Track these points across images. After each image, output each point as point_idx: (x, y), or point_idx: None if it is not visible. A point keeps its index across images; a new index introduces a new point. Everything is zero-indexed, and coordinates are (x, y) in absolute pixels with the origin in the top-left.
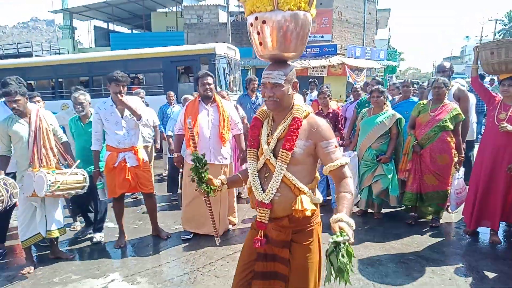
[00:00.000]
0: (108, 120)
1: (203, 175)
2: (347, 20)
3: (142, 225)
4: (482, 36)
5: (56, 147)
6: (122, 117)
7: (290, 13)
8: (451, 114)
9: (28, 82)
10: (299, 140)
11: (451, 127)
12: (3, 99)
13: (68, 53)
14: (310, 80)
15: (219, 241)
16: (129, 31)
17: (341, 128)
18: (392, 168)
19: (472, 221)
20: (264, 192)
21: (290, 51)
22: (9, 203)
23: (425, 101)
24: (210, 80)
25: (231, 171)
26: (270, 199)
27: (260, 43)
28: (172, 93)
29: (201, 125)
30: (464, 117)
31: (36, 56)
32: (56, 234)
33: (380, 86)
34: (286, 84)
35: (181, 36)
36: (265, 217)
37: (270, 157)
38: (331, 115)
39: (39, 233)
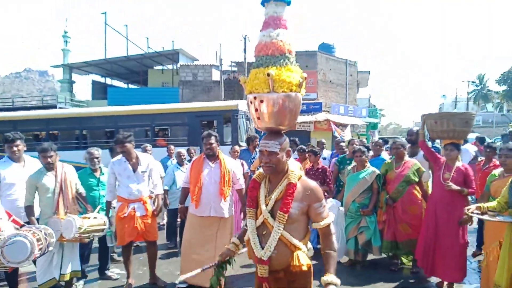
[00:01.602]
0: (121, 174)
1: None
2: (330, 81)
3: (146, 271)
4: (456, 96)
5: (76, 196)
6: (134, 172)
7: (284, 94)
8: (413, 169)
9: (52, 132)
10: (294, 202)
11: (416, 179)
12: (4, 158)
13: (65, 105)
14: (291, 139)
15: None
16: (126, 86)
17: (329, 182)
18: (374, 220)
19: (427, 269)
20: (262, 249)
21: (284, 124)
22: (45, 251)
23: (389, 160)
24: (212, 140)
25: (230, 223)
26: (268, 256)
27: (258, 118)
28: (172, 147)
29: (203, 181)
30: (424, 170)
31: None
32: (67, 277)
33: (361, 147)
34: (281, 152)
35: (176, 92)
36: (265, 272)
37: (268, 217)
38: (320, 170)
39: (54, 277)
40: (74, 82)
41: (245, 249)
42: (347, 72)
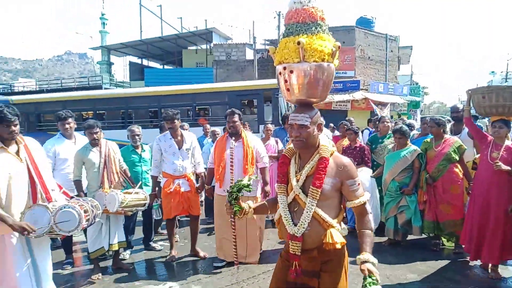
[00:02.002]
0: (167, 151)
1: (236, 196)
2: (369, 58)
3: (187, 244)
4: (508, 72)
5: (120, 171)
6: (179, 149)
7: (315, 64)
8: (454, 147)
9: (99, 112)
10: (327, 178)
11: (457, 158)
12: (58, 135)
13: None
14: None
15: (238, 265)
16: (161, 67)
17: (367, 161)
18: (415, 200)
19: (472, 254)
20: (295, 226)
21: (315, 96)
22: (92, 222)
23: (429, 139)
24: (236, 118)
25: (257, 202)
26: (301, 233)
27: (288, 89)
28: (208, 126)
29: (226, 160)
30: (466, 147)
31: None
32: (116, 247)
33: (402, 127)
34: (312, 125)
35: (210, 72)
36: (298, 249)
37: (299, 193)
38: (358, 149)
39: (103, 246)
40: (113, 63)
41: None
42: (387, 48)
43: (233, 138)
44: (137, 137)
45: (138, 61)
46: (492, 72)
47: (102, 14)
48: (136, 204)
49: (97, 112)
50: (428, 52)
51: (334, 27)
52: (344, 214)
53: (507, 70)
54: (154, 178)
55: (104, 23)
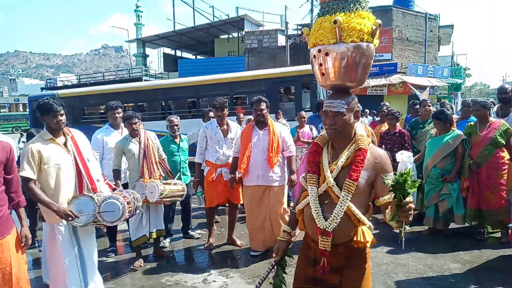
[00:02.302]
0: (212, 138)
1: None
2: (407, 39)
3: (224, 232)
4: None
5: (159, 162)
6: (224, 137)
7: (353, 45)
8: (500, 130)
9: (140, 104)
10: (363, 171)
11: (503, 142)
12: (106, 125)
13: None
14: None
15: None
16: (194, 57)
17: (409, 147)
18: (457, 187)
19: None
20: (326, 220)
21: (353, 81)
22: (133, 214)
23: (472, 123)
24: (263, 105)
25: (281, 193)
26: (333, 228)
27: (322, 74)
28: (242, 115)
29: (252, 149)
30: None
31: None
32: (155, 235)
33: (443, 111)
34: (348, 113)
35: (242, 60)
36: (328, 245)
37: (333, 185)
38: (397, 134)
39: (145, 235)
40: (148, 55)
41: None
42: (426, 28)
43: (259, 126)
44: (175, 127)
45: (172, 52)
46: None
47: (137, 7)
48: (175, 195)
49: (138, 103)
50: (471, 31)
51: (370, 7)
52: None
53: None
54: (199, 165)
55: (138, 15)
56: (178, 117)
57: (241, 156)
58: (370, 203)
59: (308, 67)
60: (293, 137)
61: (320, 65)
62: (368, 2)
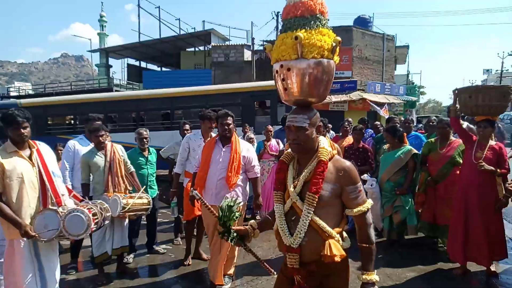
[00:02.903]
0: (195, 150)
1: (229, 225)
2: (366, 58)
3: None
4: (502, 70)
5: (126, 175)
6: None
7: (314, 61)
8: (458, 150)
9: (109, 115)
10: (326, 183)
11: (461, 161)
12: (80, 136)
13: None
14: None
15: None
16: (159, 69)
17: (371, 162)
18: (410, 199)
19: (460, 258)
20: (292, 236)
21: (314, 96)
22: (102, 225)
23: (433, 139)
24: (229, 120)
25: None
26: (298, 244)
27: (285, 89)
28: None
29: (211, 166)
30: None
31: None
32: (119, 251)
33: (390, 127)
34: (310, 127)
35: (209, 74)
36: (295, 262)
37: (296, 200)
38: (361, 149)
39: (107, 251)
40: (111, 66)
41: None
42: (384, 48)
43: (223, 142)
44: (145, 140)
45: (136, 63)
46: (487, 70)
47: (101, 17)
48: (139, 209)
49: (108, 114)
50: (424, 51)
51: (332, 27)
52: None
53: (502, 68)
54: (177, 175)
55: (102, 25)
56: (147, 130)
57: (199, 172)
58: (344, 214)
59: None
60: (261, 150)
61: (283, 80)
62: (328, 20)
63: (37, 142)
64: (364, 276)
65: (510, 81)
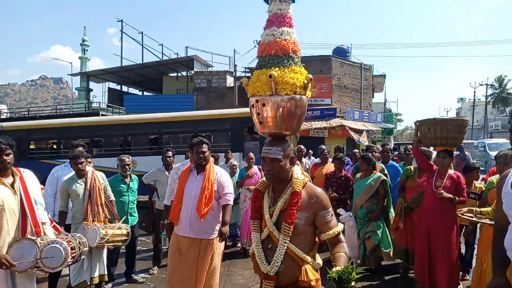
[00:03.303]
0: None
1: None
2: (345, 86)
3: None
4: (475, 99)
5: (106, 203)
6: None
7: (288, 97)
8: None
9: (96, 139)
10: (300, 212)
11: None
12: (66, 163)
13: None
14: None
15: None
16: (140, 93)
17: (352, 190)
18: (381, 225)
19: (424, 283)
20: (269, 264)
21: (288, 129)
22: (78, 259)
23: (412, 167)
24: (205, 148)
25: (213, 246)
26: (275, 271)
27: (260, 122)
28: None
29: (185, 195)
30: None
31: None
32: (97, 280)
33: (368, 154)
34: (284, 159)
35: (191, 99)
36: None
37: (273, 229)
38: (343, 178)
39: (85, 280)
40: (92, 90)
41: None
42: (362, 77)
43: (198, 170)
44: (127, 167)
45: (118, 87)
46: (461, 99)
47: (83, 40)
48: (118, 239)
49: (94, 139)
50: (401, 80)
51: (312, 56)
52: None
53: (474, 97)
54: (166, 207)
55: (84, 49)
56: (130, 157)
57: (174, 201)
58: (316, 239)
59: None
60: (243, 176)
61: (258, 114)
62: (300, 58)
63: (21, 169)
64: (335, 269)
65: (482, 109)
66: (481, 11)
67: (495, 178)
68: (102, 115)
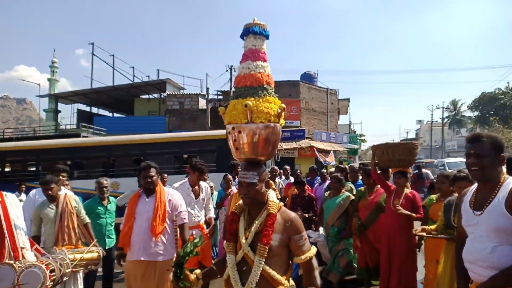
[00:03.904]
0: (184, 200)
1: (181, 271)
2: (313, 109)
3: None
4: (432, 121)
5: (79, 227)
6: (195, 199)
7: (262, 125)
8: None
9: (77, 161)
10: (275, 234)
11: None
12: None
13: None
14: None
15: None
16: (111, 115)
17: (316, 209)
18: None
19: None
20: (243, 286)
21: (263, 155)
22: (59, 282)
23: (362, 188)
24: (152, 172)
25: (165, 268)
26: None
27: (236, 148)
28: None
29: (136, 218)
30: None
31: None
32: None
33: (338, 174)
34: (260, 183)
35: (163, 120)
36: None
37: (248, 251)
38: (307, 198)
39: None
40: (60, 111)
41: None
42: (328, 100)
43: (147, 193)
44: (104, 189)
45: (87, 108)
46: (420, 121)
47: (52, 62)
48: (88, 263)
49: (75, 160)
50: (364, 103)
51: (281, 81)
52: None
53: (432, 119)
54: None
55: (53, 71)
56: (108, 179)
57: (124, 228)
58: (290, 262)
59: None
60: (222, 197)
61: (234, 140)
62: (273, 89)
63: (4, 193)
64: None
65: (439, 130)
66: (436, 40)
67: (434, 196)
68: (73, 136)
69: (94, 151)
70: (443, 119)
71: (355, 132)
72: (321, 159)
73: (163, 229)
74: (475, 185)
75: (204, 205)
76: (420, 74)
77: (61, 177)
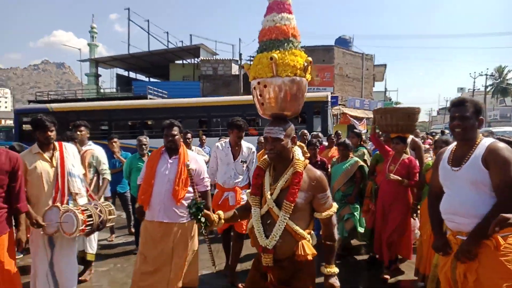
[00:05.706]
0: (222, 160)
1: (200, 218)
2: (347, 75)
3: (128, 267)
4: (474, 89)
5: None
6: (234, 160)
7: (288, 79)
8: None
9: (145, 121)
10: (300, 192)
11: None
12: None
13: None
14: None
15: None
16: (147, 79)
17: (327, 175)
18: (358, 206)
19: (381, 256)
20: (267, 238)
21: (288, 110)
22: (100, 228)
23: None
24: (175, 130)
25: (190, 232)
26: (273, 245)
27: (262, 104)
28: (204, 137)
29: (156, 178)
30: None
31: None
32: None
33: (345, 140)
34: (286, 138)
35: (197, 86)
36: (270, 261)
37: (273, 206)
38: (319, 163)
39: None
40: (100, 75)
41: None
42: (363, 66)
43: (169, 154)
44: (144, 146)
45: (125, 73)
46: (461, 89)
47: (92, 28)
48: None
49: (144, 121)
50: (401, 70)
51: (315, 46)
52: None
53: (474, 87)
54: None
55: (93, 36)
56: (147, 138)
57: (143, 184)
58: (311, 216)
59: (320, 94)
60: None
61: (260, 95)
62: (300, 42)
63: (64, 144)
64: (327, 269)
65: (482, 98)
66: (481, 4)
67: (430, 161)
68: (151, 98)
69: (161, 112)
70: (486, 87)
71: (390, 99)
72: (356, 123)
73: (185, 194)
74: (452, 145)
75: (243, 168)
76: (463, 38)
77: (79, 132)
